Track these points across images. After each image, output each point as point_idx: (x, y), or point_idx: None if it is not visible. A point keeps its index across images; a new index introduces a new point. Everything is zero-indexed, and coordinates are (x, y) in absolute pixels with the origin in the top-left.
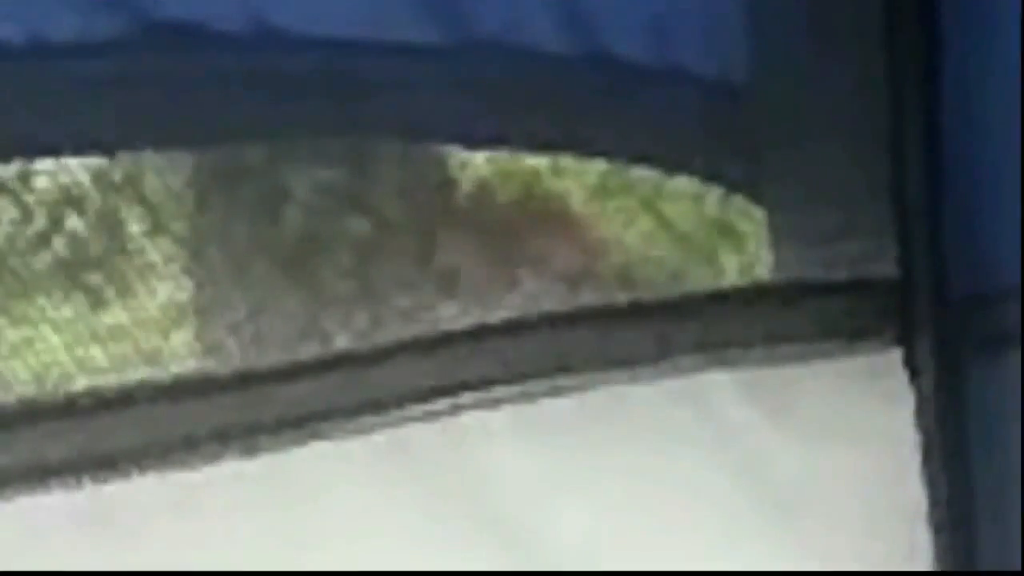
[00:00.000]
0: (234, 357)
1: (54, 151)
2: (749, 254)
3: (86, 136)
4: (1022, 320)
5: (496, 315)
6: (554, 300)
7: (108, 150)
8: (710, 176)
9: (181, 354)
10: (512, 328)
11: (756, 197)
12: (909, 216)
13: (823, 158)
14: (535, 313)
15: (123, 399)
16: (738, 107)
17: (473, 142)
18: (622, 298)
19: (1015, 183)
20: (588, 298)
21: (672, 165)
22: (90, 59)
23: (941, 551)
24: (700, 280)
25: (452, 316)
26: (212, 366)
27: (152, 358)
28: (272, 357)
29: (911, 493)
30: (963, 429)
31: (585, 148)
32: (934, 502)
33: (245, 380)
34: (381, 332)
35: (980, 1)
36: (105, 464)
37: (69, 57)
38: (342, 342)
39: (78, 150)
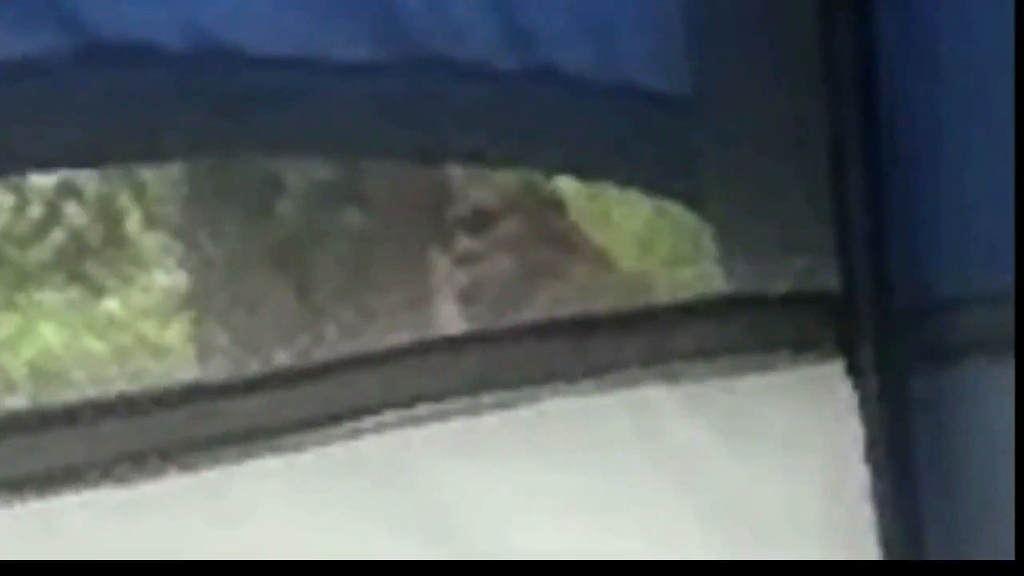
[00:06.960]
0: (228, 348)
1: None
2: (707, 266)
3: (31, 156)
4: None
5: (441, 330)
6: (501, 315)
7: (52, 168)
8: (660, 190)
9: (178, 344)
10: (455, 344)
11: (703, 211)
12: (850, 230)
13: (764, 173)
14: (479, 329)
15: (70, 416)
16: (683, 120)
17: (419, 159)
18: (565, 313)
19: (960, 196)
20: (535, 313)
21: (623, 179)
22: (34, 78)
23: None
24: (660, 292)
25: (398, 329)
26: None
27: (150, 348)
28: (264, 350)
29: (857, 505)
30: (907, 438)
31: (534, 163)
32: (880, 513)
33: (191, 395)
34: (324, 347)
35: (915, 14)
36: (52, 479)
37: (11, 77)
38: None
39: (22, 169)
